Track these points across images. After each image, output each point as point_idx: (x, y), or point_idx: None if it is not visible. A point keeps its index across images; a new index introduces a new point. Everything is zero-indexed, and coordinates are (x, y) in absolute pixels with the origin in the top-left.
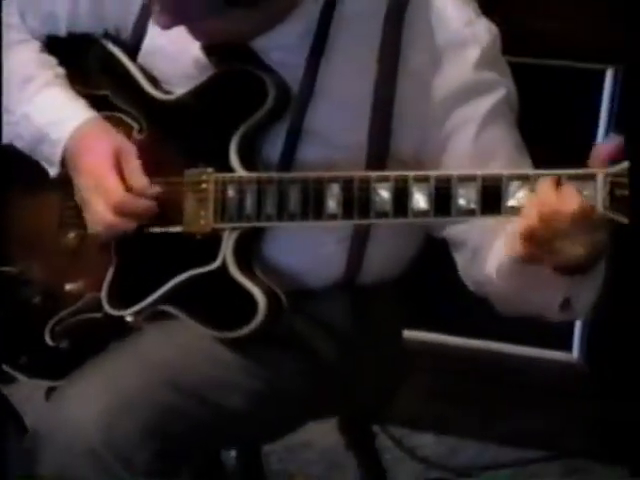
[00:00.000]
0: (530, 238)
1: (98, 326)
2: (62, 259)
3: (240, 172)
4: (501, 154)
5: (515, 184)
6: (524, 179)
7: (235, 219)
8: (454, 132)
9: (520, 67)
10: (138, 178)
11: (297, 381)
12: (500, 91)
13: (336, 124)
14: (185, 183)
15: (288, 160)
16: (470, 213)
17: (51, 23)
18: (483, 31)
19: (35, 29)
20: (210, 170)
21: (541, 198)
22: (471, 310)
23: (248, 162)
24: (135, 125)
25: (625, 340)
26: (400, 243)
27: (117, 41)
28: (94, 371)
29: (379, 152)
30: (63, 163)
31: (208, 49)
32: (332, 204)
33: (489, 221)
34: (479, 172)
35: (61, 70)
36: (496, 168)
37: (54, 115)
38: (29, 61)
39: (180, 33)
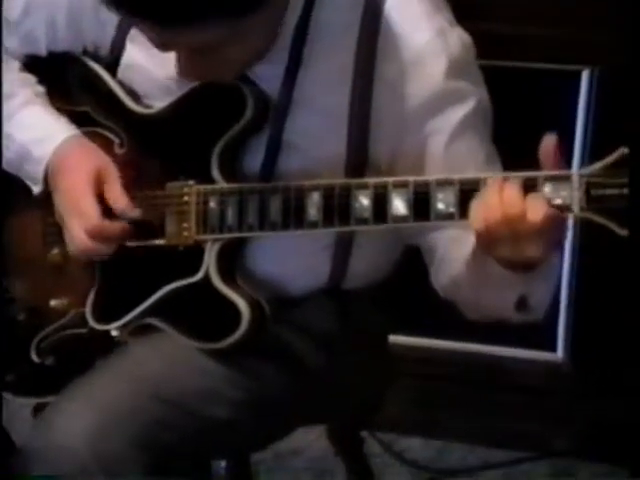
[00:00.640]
0: (491, 230)
1: (84, 341)
2: (46, 275)
3: (221, 184)
4: (469, 166)
5: None
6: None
7: (217, 230)
8: (425, 143)
9: (496, 70)
10: (119, 200)
11: (283, 389)
12: (471, 101)
13: (315, 134)
14: (167, 196)
15: (269, 171)
16: (449, 217)
17: (30, 42)
18: (455, 41)
19: (14, 49)
20: (191, 182)
21: (508, 200)
22: (454, 313)
23: (229, 173)
24: (116, 140)
25: (610, 339)
26: (384, 247)
27: (96, 57)
28: (81, 388)
29: (358, 161)
30: (46, 181)
31: None
32: (313, 212)
33: (458, 231)
34: (456, 176)
35: (41, 88)
36: None
37: (35, 133)
38: (8, 80)
39: None
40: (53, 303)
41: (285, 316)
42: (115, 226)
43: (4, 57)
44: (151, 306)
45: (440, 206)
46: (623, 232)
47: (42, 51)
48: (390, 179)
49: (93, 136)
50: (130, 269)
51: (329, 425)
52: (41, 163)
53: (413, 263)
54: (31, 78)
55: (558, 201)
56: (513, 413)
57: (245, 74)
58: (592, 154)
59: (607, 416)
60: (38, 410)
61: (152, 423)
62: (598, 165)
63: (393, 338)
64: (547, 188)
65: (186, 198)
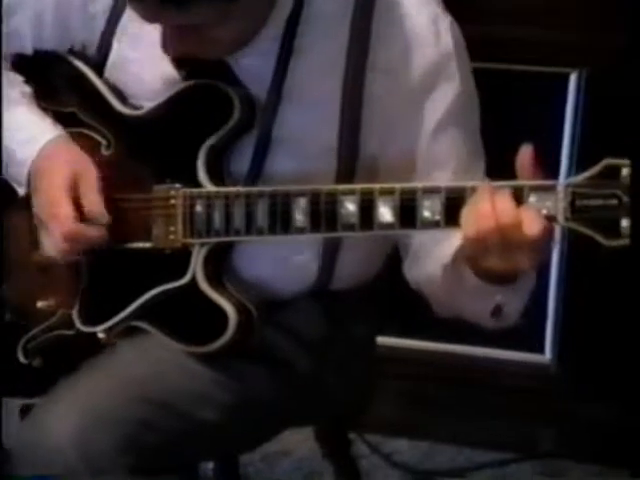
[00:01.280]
0: (483, 240)
1: (71, 343)
2: (33, 277)
3: (208, 187)
4: (450, 162)
5: None
6: None
7: (204, 234)
8: (412, 133)
9: (484, 72)
10: (92, 205)
11: (270, 391)
12: (458, 89)
13: (306, 127)
14: (153, 199)
15: (256, 172)
16: (435, 225)
17: (16, 41)
18: (447, 29)
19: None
20: (178, 186)
21: (502, 210)
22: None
23: (216, 177)
24: (103, 141)
25: (597, 340)
26: (371, 249)
27: (83, 57)
28: (68, 389)
29: (348, 153)
30: (29, 182)
31: (178, 61)
32: (300, 218)
33: None
34: (443, 184)
35: (27, 88)
36: (443, 176)
37: (20, 135)
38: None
39: (146, 47)
40: (40, 304)
41: (272, 318)
42: (91, 230)
43: None
44: (138, 309)
45: (426, 214)
46: (608, 243)
47: (28, 49)
48: (377, 186)
49: (79, 137)
50: (117, 272)
51: (317, 427)
52: (24, 165)
53: (400, 265)
54: (17, 78)
55: (543, 211)
56: (501, 414)
57: (233, 68)
58: (580, 157)
59: (594, 417)
60: (25, 411)
61: (139, 424)
62: (583, 175)
63: (381, 339)
64: (532, 198)
65: (173, 201)
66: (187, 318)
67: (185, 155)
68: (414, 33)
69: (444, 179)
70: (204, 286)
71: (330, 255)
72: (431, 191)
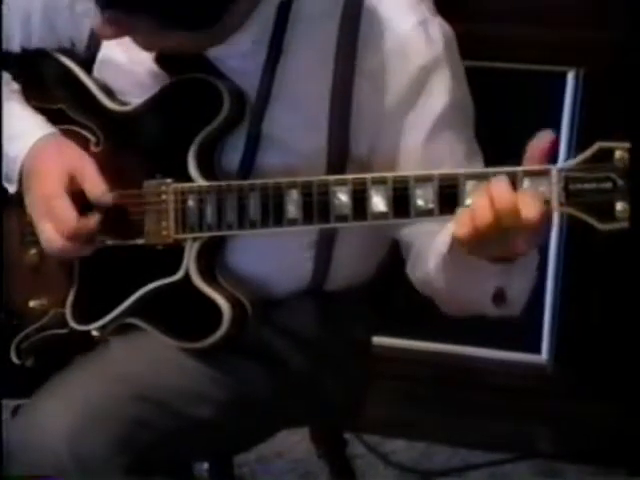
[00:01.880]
0: (480, 230)
1: (64, 342)
2: (25, 276)
3: (199, 181)
4: (448, 162)
5: (471, 183)
6: (481, 178)
7: (196, 229)
8: (404, 135)
9: (481, 71)
10: (96, 188)
11: (265, 390)
12: (451, 93)
13: (295, 127)
14: (144, 195)
15: (248, 167)
16: (428, 213)
17: (4, 40)
18: (436, 31)
19: None
20: (169, 181)
21: (498, 197)
22: (439, 315)
23: (207, 171)
24: (92, 138)
25: (594, 340)
26: (366, 248)
27: (71, 54)
28: (60, 387)
29: (339, 154)
30: (20, 180)
31: (161, 60)
32: (292, 209)
33: (434, 224)
34: (436, 172)
35: (15, 86)
36: None
37: (10, 132)
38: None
39: (132, 43)
40: (32, 304)
41: (268, 317)
42: (91, 222)
43: None
44: (131, 306)
45: (419, 202)
46: (602, 227)
47: (16, 48)
48: (369, 175)
49: (69, 134)
50: (109, 269)
51: (312, 427)
52: (15, 162)
53: (396, 265)
54: (5, 76)
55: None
56: (498, 414)
57: (220, 68)
58: (577, 155)
59: (591, 417)
60: (17, 410)
61: (132, 422)
62: (576, 160)
63: (376, 340)
64: (526, 183)
65: (164, 197)
66: (181, 314)
67: (175, 150)
68: (402, 37)
69: None
70: (197, 281)
71: (324, 254)
72: (424, 179)
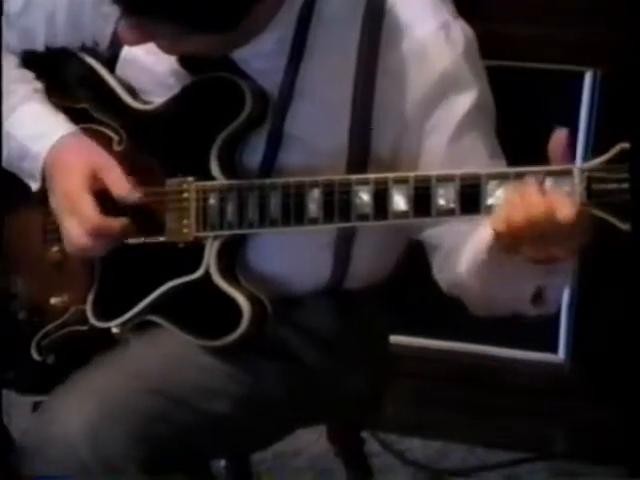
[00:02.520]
0: (514, 233)
1: (84, 339)
2: (46, 273)
3: (221, 180)
4: (473, 163)
5: (493, 183)
6: (503, 178)
7: (217, 227)
8: (427, 138)
9: (499, 70)
10: (120, 186)
11: (283, 388)
12: (474, 94)
13: (316, 127)
14: (166, 193)
15: (269, 166)
16: (450, 213)
17: (28, 38)
18: (458, 34)
19: (12, 44)
20: (191, 179)
21: (530, 201)
22: (456, 314)
23: (228, 169)
24: (114, 136)
25: (611, 340)
26: (385, 246)
27: (94, 53)
28: (80, 383)
29: (360, 154)
30: (43, 178)
31: (184, 61)
32: (313, 208)
33: (463, 225)
34: (457, 172)
35: (39, 84)
36: None
37: (34, 129)
38: (7, 76)
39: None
40: (53, 301)
41: (287, 315)
42: (115, 223)
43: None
44: (151, 303)
45: (441, 202)
46: (625, 226)
47: (40, 47)
48: (391, 175)
49: (91, 133)
50: (130, 266)
51: (329, 425)
52: (38, 160)
53: (414, 263)
54: (29, 74)
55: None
56: (514, 414)
57: (243, 68)
58: (595, 155)
59: (608, 418)
60: (38, 406)
61: (150, 418)
62: (599, 160)
63: (394, 338)
64: (548, 183)
65: (185, 195)
66: (201, 312)
67: (197, 148)
68: (424, 39)
69: None
70: (218, 279)
71: (344, 253)
72: (445, 179)
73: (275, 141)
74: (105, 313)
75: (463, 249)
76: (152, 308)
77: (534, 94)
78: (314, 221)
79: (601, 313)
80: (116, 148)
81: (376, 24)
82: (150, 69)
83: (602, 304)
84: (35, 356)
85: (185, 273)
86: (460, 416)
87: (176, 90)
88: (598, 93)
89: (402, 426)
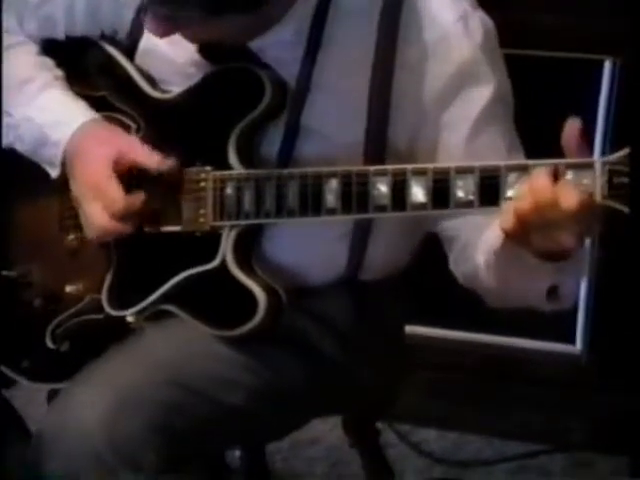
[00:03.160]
0: (522, 221)
1: (99, 327)
2: (62, 261)
3: (238, 169)
4: (492, 156)
5: (513, 175)
6: (522, 170)
7: (234, 217)
8: (446, 131)
9: (518, 59)
10: (152, 158)
11: (299, 378)
12: (492, 87)
13: (333, 119)
14: (184, 182)
15: (286, 156)
16: (468, 205)
17: (49, 27)
18: (477, 25)
19: (32, 33)
20: (208, 168)
21: (538, 188)
22: (473, 304)
23: (246, 159)
24: (133, 125)
25: (629, 331)
26: (401, 237)
27: (114, 42)
28: (96, 372)
29: (377, 146)
30: (63, 165)
31: (204, 50)
32: (331, 199)
33: (480, 217)
34: (477, 164)
35: (60, 72)
36: None
37: (55, 116)
38: (27, 63)
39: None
40: (69, 289)
41: (303, 306)
42: (141, 200)
43: (22, 39)
44: (167, 293)
45: (460, 194)
46: None
47: (60, 35)
48: (409, 166)
49: (110, 121)
50: (146, 255)
51: (345, 416)
52: (59, 146)
53: (430, 254)
54: (49, 62)
55: (580, 189)
56: (530, 405)
57: (261, 58)
58: (613, 144)
59: (625, 409)
60: (53, 396)
61: (167, 408)
62: (620, 153)
63: (410, 329)
64: (569, 176)
65: (203, 184)
66: (216, 302)
67: (215, 138)
68: (443, 32)
69: None
70: (234, 269)
71: (360, 244)
72: (464, 171)
73: (292, 132)
74: (120, 302)
75: (480, 242)
76: (167, 297)
77: (553, 83)
78: (331, 212)
79: (618, 304)
80: (134, 136)
81: (394, 16)
82: (170, 59)
83: (619, 295)
84: (49, 344)
85: (201, 263)
86: (476, 407)
87: (195, 80)
88: (617, 82)
89: (418, 417)
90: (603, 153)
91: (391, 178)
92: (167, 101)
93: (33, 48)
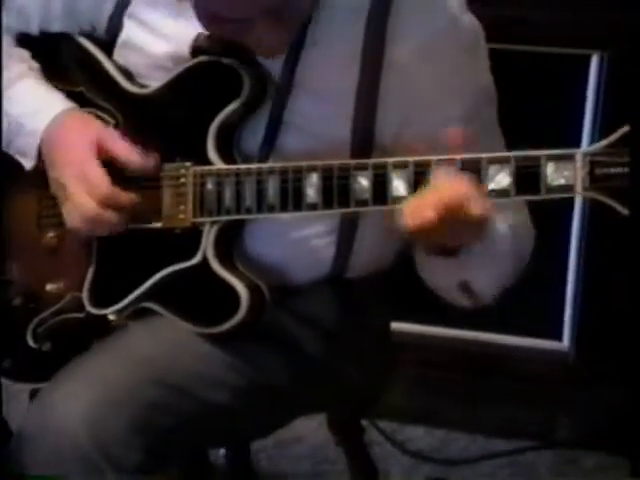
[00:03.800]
0: (418, 221)
1: (81, 326)
2: (42, 259)
3: (218, 165)
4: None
5: (494, 167)
6: (504, 162)
7: (214, 212)
8: (433, 130)
9: (505, 54)
10: (131, 153)
11: (283, 377)
12: (479, 86)
13: (317, 116)
14: (163, 177)
15: (267, 151)
16: None
17: (22, 19)
18: (465, 26)
19: (8, 26)
20: (188, 164)
21: (449, 193)
22: None
23: (226, 155)
24: (111, 120)
25: (616, 328)
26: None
27: (92, 37)
28: (79, 370)
29: (363, 144)
30: (39, 156)
31: (198, 48)
32: (311, 194)
33: None
34: (458, 156)
35: (35, 64)
36: None
37: (29, 106)
38: (2, 54)
39: (155, 27)
40: (49, 287)
41: (287, 304)
42: (124, 195)
43: None
44: (148, 290)
45: None
46: (627, 212)
47: (34, 29)
48: (390, 160)
49: None
50: (127, 253)
51: (329, 414)
52: (34, 136)
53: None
54: (25, 53)
55: (561, 181)
56: (517, 402)
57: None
58: (601, 139)
59: (612, 406)
60: (35, 395)
61: (150, 406)
62: (601, 144)
63: (395, 325)
64: (550, 168)
65: (183, 180)
66: (198, 299)
67: (195, 133)
68: (431, 31)
69: None
70: (215, 266)
71: (346, 241)
72: (445, 163)
73: (274, 128)
74: (101, 300)
75: None
76: (149, 295)
77: (541, 78)
78: (313, 207)
79: (605, 301)
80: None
81: (382, 17)
82: (147, 53)
83: (606, 291)
84: (31, 343)
85: (182, 259)
86: (463, 404)
87: (173, 74)
88: (605, 77)
89: (404, 414)
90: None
91: (372, 172)
92: (145, 96)
93: (8, 40)
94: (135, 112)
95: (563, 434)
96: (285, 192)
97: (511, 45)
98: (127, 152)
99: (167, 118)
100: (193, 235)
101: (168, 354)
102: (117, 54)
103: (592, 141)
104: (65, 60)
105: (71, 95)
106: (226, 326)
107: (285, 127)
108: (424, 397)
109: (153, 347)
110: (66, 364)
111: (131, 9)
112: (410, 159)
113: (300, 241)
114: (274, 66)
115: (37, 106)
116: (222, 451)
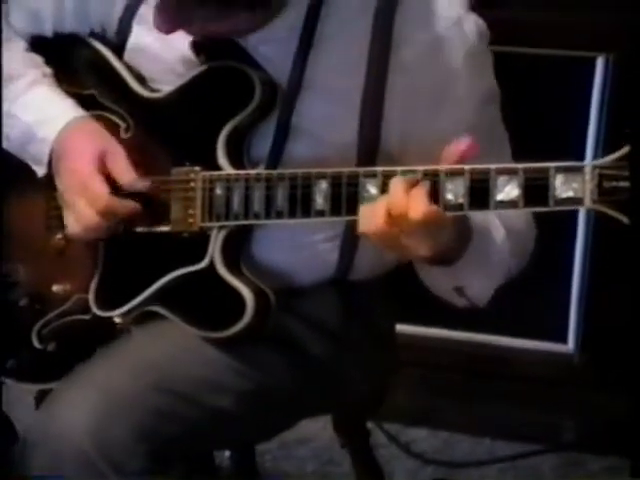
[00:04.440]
0: (377, 233)
1: (86, 328)
2: (49, 260)
3: (228, 170)
4: (482, 160)
5: (503, 178)
6: (512, 173)
7: (223, 217)
8: (440, 132)
9: (510, 56)
10: (125, 174)
11: (288, 380)
12: (484, 89)
13: (325, 118)
14: (172, 182)
15: (276, 157)
16: (458, 208)
17: (36, 22)
18: (471, 28)
19: (20, 29)
20: (197, 168)
21: (391, 200)
22: None
23: (236, 160)
24: (122, 124)
25: (621, 331)
26: None
27: (103, 39)
28: (83, 376)
29: (369, 148)
30: (50, 163)
31: (196, 47)
32: (320, 201)
33: None
34: (467, 166)
35: (48, 69)
36: None
37: (42, 114)
38: (15, 60)
39: None
40: (56, 288)
41: (291, 307)
42: (125, 205)
43: (11, 35)
44: (155, 293)
45: (449, 196)
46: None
47: (48, 31)
48: (399, 168)
49: (99, 120)
50: (134, 255)
51: (334, 416)
52: (45, 144)
53: None
54: (38, 59)
55: (570, 193)
56: (522, 405)
57: (255, 57)
58: (606, 142)
59: (617, 409)
60: (40, 397)
61: (154, 413)
62: (611, 157)
63: (400, 327)
64: (558, 180)
65: (192, 184)
66: (204, 303)
67: (205, 138)
68: (438, 34)
69: None
70: (222, 270)
71: (350, 245)
72: (455, 173)
73: (283, 132)
74: (107, 302)
75: None
76: (155, 298)
77: (546, 80)
78: (321, 214)
79: (610, 303)
80: (123, 136)
81: (388, 18)
82: (159, 57)
83: (611, 294)
84: (36, 344)
85: (189, 263)
86: (467, 407)
87: (185, 78)
88: (610, 79)
89: (409, 416)
90: (596, 150)
91: (381, 180)
92: (156, 100)
93: (20, 44)
94: (146, 116)
95: (568, 437)
96: (294, 198)
97: (517, 48)
98: (122, 174)
99: (178, 122)
100: (201, 239)
101: (172, 360)
102: (128, 57)
103: (597, 144)
104: (78, 63)
105: (83, 98)
106: (231, 331)
107: (293, 132)
108: (429, 399)
109: (157, 352)
110: (70, 366)
111: (141, 14)
112: (419, 168)
113: (305, 246)
114: (284, 66)
115: (49, 114)
116: (227, 453)
